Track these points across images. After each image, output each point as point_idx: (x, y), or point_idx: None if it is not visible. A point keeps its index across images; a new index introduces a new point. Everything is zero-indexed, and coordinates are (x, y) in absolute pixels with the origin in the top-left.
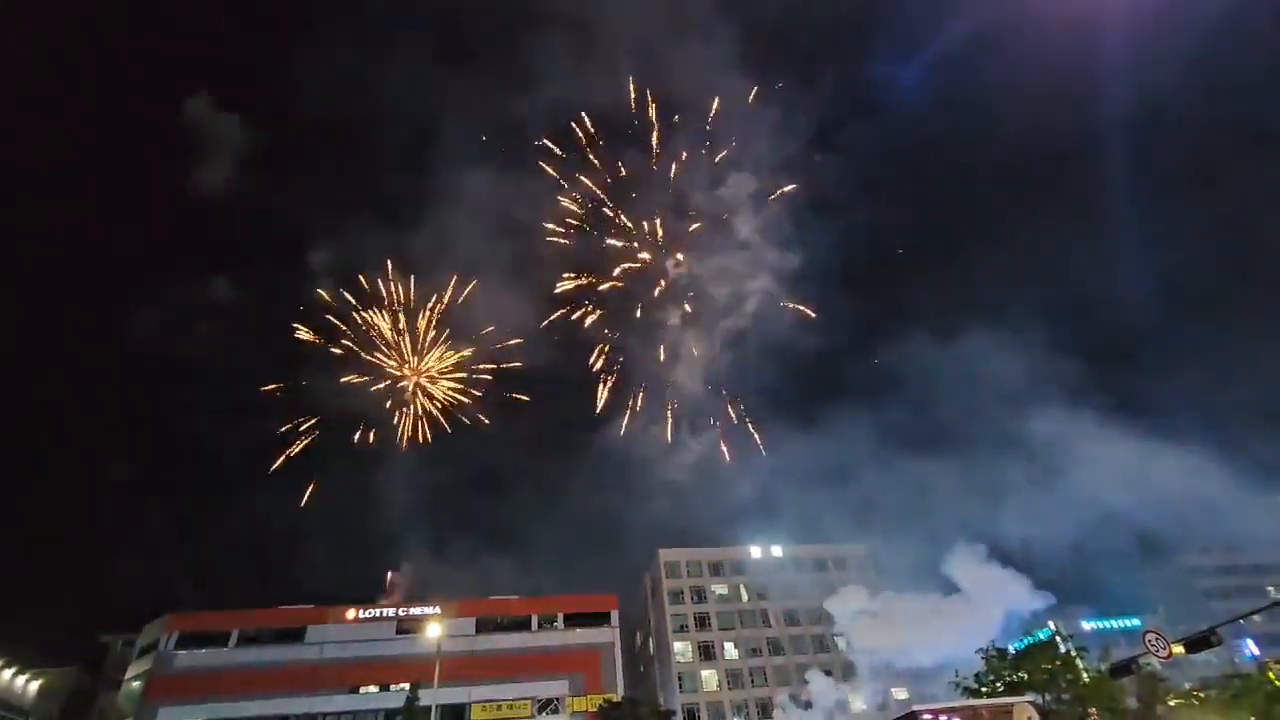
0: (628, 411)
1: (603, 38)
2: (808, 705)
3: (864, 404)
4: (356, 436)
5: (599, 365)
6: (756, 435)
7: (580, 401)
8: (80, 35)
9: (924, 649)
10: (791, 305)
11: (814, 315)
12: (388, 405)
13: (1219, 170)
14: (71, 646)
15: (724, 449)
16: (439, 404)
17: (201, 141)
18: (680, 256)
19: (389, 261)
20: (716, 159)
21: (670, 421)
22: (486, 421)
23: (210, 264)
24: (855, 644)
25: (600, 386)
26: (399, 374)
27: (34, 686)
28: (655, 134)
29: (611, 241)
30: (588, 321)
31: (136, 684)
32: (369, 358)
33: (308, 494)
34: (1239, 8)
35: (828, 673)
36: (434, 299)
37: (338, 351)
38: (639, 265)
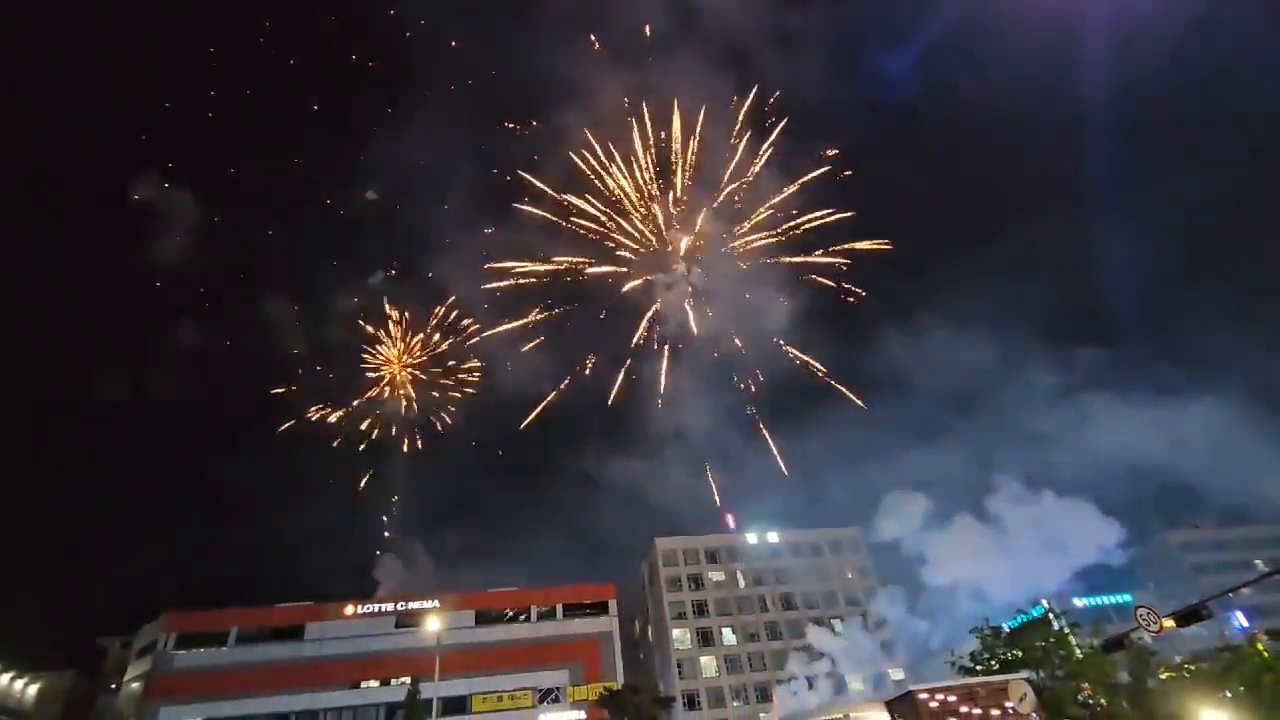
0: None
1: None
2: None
3: (857, 394)
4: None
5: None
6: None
7: (578, 405)
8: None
9: (1006, 583)
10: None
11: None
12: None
13: (1203, 155)
14: (69, 650)
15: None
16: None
17: (155, 218)
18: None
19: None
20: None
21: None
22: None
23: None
24: (931, 560)
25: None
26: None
27: (32, 690)
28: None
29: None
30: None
31: (136, 685)
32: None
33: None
34: None
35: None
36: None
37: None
38: (638, 281)
